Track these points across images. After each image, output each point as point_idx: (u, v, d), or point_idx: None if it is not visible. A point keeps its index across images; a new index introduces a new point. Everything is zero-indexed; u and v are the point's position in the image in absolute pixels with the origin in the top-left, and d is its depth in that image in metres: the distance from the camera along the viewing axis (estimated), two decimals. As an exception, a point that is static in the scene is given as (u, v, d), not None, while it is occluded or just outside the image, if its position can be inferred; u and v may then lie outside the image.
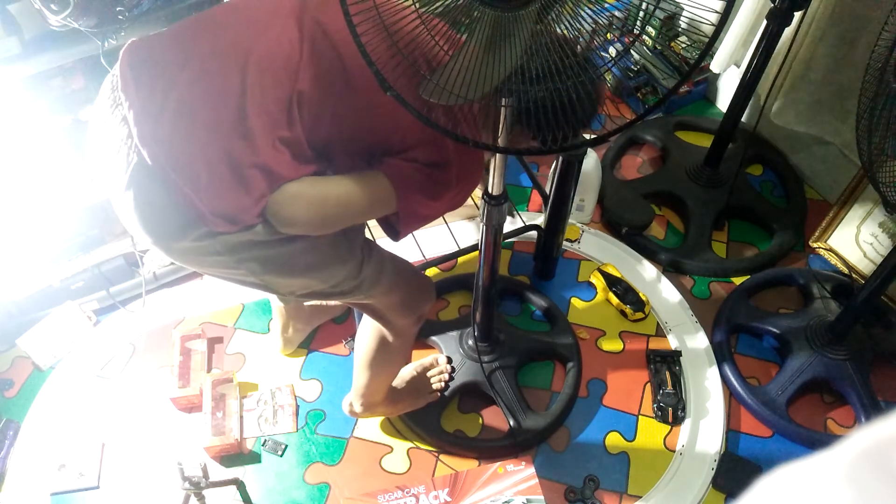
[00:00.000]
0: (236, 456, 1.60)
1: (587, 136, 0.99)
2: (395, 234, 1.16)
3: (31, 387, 1.72)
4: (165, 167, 0.96)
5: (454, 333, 1.70)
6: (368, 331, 1.37)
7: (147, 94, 0.98)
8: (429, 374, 1.63)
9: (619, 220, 1.95)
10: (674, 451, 1.59)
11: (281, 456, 1.60)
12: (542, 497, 1.46)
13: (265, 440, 1.62)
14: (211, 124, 0.98)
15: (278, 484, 1.56)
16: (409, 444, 1.61)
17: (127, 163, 0.98)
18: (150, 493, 1.56)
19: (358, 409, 1.53)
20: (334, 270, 1.15)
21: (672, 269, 1.91)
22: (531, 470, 1.50)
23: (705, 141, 2.05)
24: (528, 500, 1.45)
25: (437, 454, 1.60)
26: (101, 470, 1.59)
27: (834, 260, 1.89)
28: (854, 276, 1.84)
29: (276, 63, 1.00)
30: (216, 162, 0.98)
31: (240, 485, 1.55)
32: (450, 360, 1.64)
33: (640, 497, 1.52)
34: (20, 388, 1.72)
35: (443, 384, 1.61)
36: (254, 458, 1.60)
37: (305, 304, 1.71)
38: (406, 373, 1.63)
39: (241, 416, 1.65)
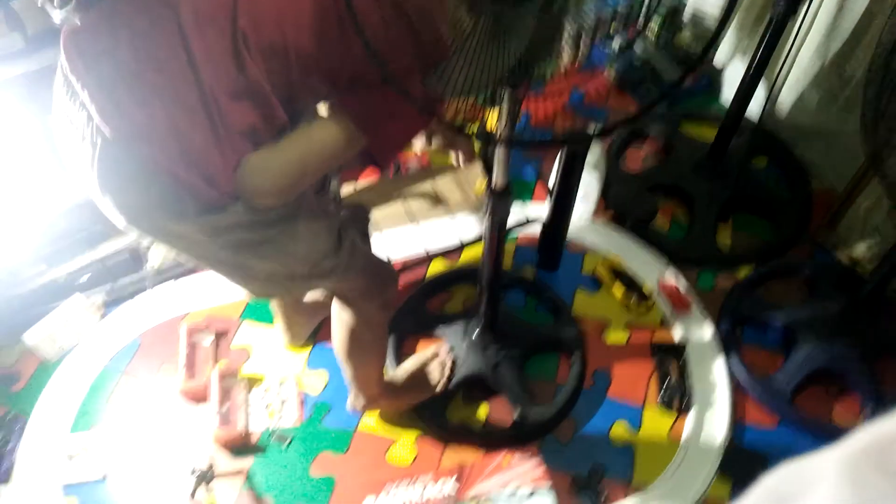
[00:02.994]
0: (243, 447, 1.61)
1: (592, 130, 0.99)
2: (376, 163, 1.15)
3: (38, 380, 1.73)
4: (130, 139, 0.95)
5: (459, 326, 1.71)
6: (337, 326, 1.37)
7: (96, 70, 0.95)
8: (430, 366, 1.63)
9: (623, 212, 1.95)
10: (679, 442, 1.59)
11: (287, 447, 1.61)
12: (547, 486, 1.46)
13: (271, 432, 1.63)
14: (165, 88, 0.95)
15: (284, 474, 1.57)
16: (414, 436, 1.62)
17: (93, 147, 0.97)
18: (159, 483, 1.56)
19: (360, 404, 1.54)
20: (314, 248, 1.14)
21: (677, 261, 1.91)
22: (537, 460, 1.51)
23: (710, 133, 2.05)
24: (533, 490, 1.46)
25: (442, 445, 1.60)
26: (111, 461, 1.60)
27: (839, 251, 1.89)
28: (860, 267, 1.84)
29: (210, 8, 0.96)
30: (180, 121, 0.95)
31: (247, 475, 1.56)
32: (452, 350, 1.64)
33: (646, 486, 1.53)
34: (27, 381, 1.74)
35: (445, 376, 1.61)
36: (260, 449, 1.61)
37: (305, 299, 1.72)
38: (408, 366, 1.63)
39: (248, 408, 1.65)
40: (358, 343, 1.38)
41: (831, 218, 1.90)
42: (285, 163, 1.03)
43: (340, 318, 1.36)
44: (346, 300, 1.33)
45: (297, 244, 1.12)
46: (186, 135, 0.95)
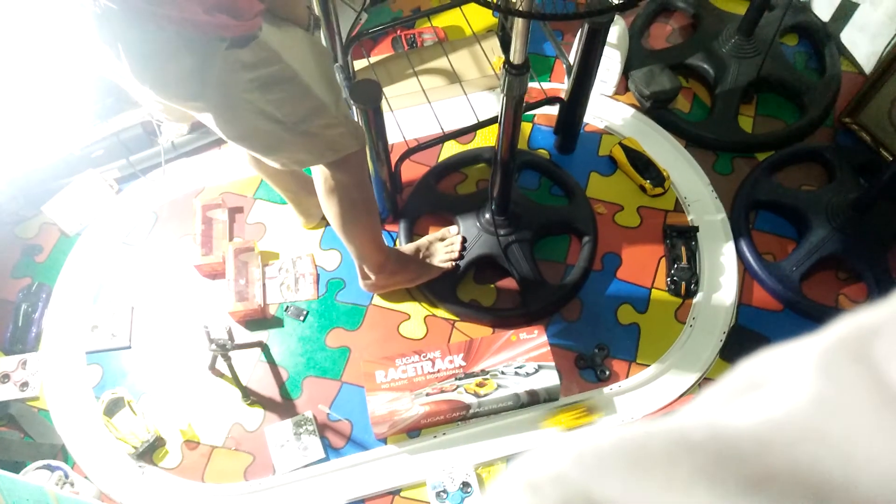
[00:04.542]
0: (260, 320, 1.66)
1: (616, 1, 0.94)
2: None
3: (60, 252, 1.77)
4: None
5: (472, 207, 1.71)
6: (328, 197, 1.37)
7: None
8: (441, 244, 1.65)
9: (644, 92, 1.89)
10: (684, 324, 1.62)
11: (303, 321, 1.66)
12: (553, 363, 1.51)
13: (287, 306, 1.67)
14: None
15: (300, 347, 1.63)
16: (425, 313, 1.66)
17: (97, 21, 0.94)
18: (179, 354, 1.63)
19: (370, 277, 1.57)
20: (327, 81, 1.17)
21: (695, 144, 1.87)
22: (543, 338, 1.55)
23: (740, 8, 1.95)
24: (539, 366, 1.51)
25: (452, 322, 1.65)
26: (132, 331, 1.66)
27: (863, 136, 1.83)
28: (882, 152, 1.79)
29: None
30: None
31: (264, 347, 1.63)
32: (463, 240, 1.66)
33: (649, 365, 1.57)
34: (49, 253, 1.78)
35: (455, 255, 1.63)
36: (277, 322, 1.66)
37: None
38: (417, 243, 1.66)
39: (264, 284, 1.69)
40: (351, 204, 1.37)
41: (858, 100, 1.82)
42: None
43: (329, 186, 1.34)
44: (337, 163, 1.31)
45: (312, 73, 1.12)
46: None
